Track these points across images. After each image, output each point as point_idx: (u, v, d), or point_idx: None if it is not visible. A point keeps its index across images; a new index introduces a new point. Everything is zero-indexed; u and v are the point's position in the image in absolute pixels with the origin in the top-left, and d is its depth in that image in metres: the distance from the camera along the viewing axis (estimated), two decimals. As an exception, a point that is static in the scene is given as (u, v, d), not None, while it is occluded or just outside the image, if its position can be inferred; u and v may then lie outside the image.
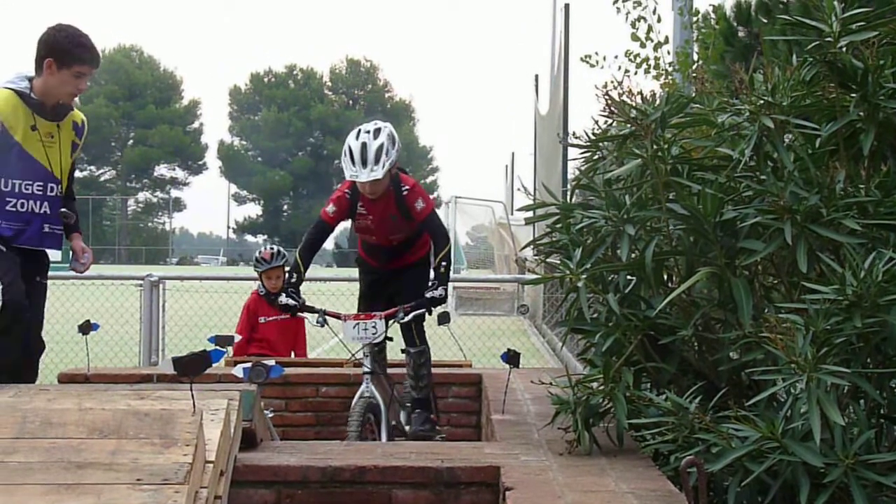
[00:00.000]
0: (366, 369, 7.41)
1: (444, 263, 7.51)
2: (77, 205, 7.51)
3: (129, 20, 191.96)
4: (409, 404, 7.95)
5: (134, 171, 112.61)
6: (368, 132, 7.29)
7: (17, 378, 6.46)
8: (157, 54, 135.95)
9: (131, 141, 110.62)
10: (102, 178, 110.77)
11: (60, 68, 6.72)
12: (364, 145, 7.19)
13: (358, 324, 7.33)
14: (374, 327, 7.33)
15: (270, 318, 11.26)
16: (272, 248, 11.56)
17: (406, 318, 7.46)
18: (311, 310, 7.62)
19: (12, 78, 6.81)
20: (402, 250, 7.88)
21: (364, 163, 7.15)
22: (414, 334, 7.75)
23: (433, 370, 8.52)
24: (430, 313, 7.59)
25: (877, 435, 4.63)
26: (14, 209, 6.72)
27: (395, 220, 7.57)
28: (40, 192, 6.85)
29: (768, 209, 4.85)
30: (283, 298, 7.39)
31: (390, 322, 7.48)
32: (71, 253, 7.28)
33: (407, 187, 7.50)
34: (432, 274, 7.63)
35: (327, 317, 7.54)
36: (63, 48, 6.72)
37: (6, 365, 6.46)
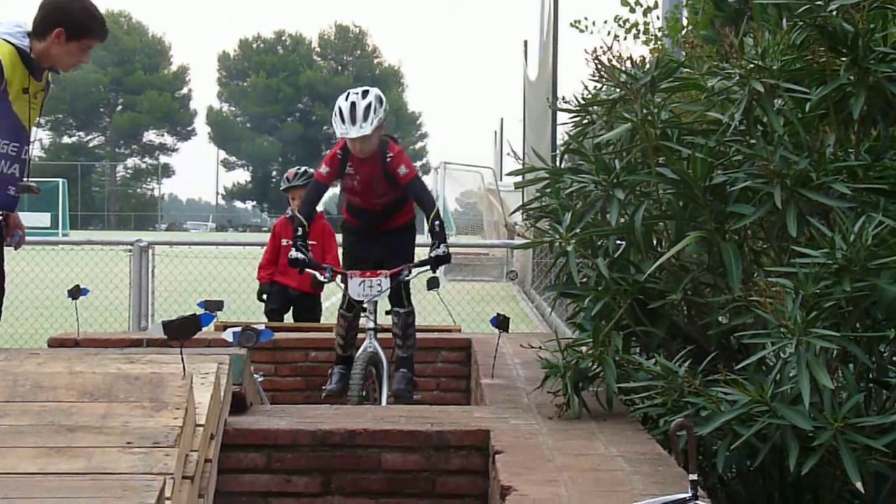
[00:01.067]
0: (370, 325, 7.71)
1: (436, 223, 7.70)
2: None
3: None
4: (393, 361, 8.04)
5: (122, 137, 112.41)
6: (357, 93, 7.56)
7: None
8: (146, 20, 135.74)
9: (120, 107, 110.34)
10: (91, 144, 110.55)
11: (69, 40, 6.61)
12: (353, 104, 7.44)
13: (363, 281, 7.55)
14: (378, 285, 7.56)
15: (291, 242, 11.37)
16: (297, 169, 11.74)
17: (411, 276, 7.77)
18: (319, 266, 8.02)
19: (11, 30, 6.58)
20: (387, 214, 8.10)
21: (353, 120, 7.40)
22: (402, 296, 7.89)
23: (423, 335, 8.54)
24: (434, 271, 7.86)
25: (866, 399, 4.64)
26: None
27: (378, 183, 7.80)
28: (14, 153, 6.70)
29: (758, 173, 4.85)
30: (292, 253, 7.64)
31: (396, 280, 7.65)
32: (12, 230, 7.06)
33: (391, 154, 7.70)
34: (428, 236, 7.98)
35: (334, 273, 7.87)
36: (78, 21, 6.63)
37: None
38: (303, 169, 11.64)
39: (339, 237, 9.59)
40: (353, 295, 7.61)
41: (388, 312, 7.95)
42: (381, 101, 7.57)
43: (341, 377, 7.80)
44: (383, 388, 7.74)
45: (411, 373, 7.97)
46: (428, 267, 7.77)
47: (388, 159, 7.68)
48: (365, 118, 7.41)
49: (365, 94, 7.56)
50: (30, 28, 6.61)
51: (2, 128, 6.58)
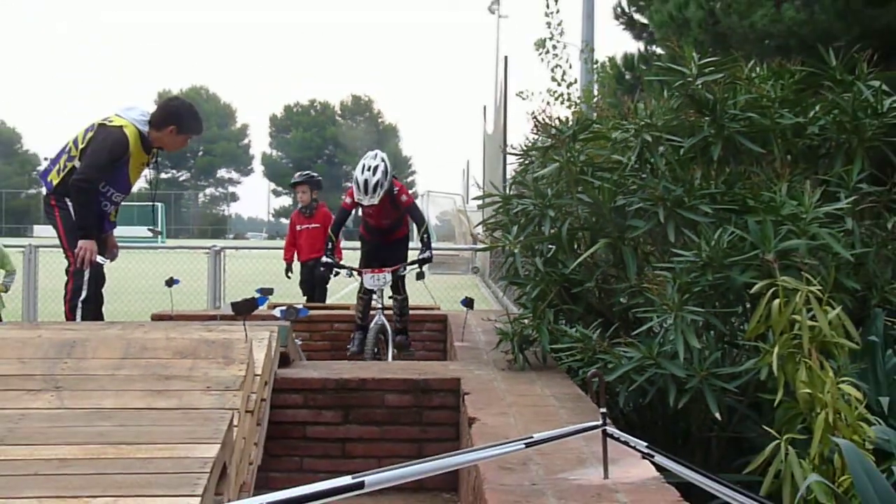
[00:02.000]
0: (378, 306, 8.01)
1: (425, 235, 8.12)
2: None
3: (199, 68, 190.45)
4: (394, 331, 8.24)
5: (202, 173, 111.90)
6: (370, 169, 7.71)
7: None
8: (219, 92, 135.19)
9: (201, 152, 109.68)
10: (181, 179, 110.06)
11: (179, 133, 6.78)
12: (367, 181, 7.67)
13: (374, 275, 7.86)
14: (384, 278, 7.86)
15: (303, 227, 11.49)
16: (301, 172, 11.97)
17: (406, 272, 8.13)
18: (343, 267, 8.32)
19: (137, 116, 6.72)
20: (390, 230, 8.34)
21: (366, 192, 7.68)
22: (400, 287, 8.21)
23: (414, 312, 8.56)
24: (421, 268, 8.07)
25: (722, 355, 4.64)
26: (103, 208, 6.66)
27: (386, 210, 8.01)
28: (117, 201, 6.78)
29: (648, 198, 4.85)
30: (324, 258, 8.20)
31: (395, 274, 7.97)
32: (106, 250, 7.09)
33: (397, 188, 7.94)
34: (418, 243, 8.32)
35: (354, 271, 8.15)
36: (186, 121, 6.81)
37: (90, 315, 6.45)
38: (307, 172, 11.80)
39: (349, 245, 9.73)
40: (367, 285, 7.89)
41: (390, 297, 8.16)
42: (385, 175, 7.73)
43: (360, 341, 8.00)
44: (389, 349, 7.97)
45: (407, 336, 8.36)
46: (417, 266, 8.00)
47: (396, 192, 7.90)
48: (374, 192, 7.67)
49: (374, 171, 7.70)
50: (149, 117, 6.73)
51: (119, 185, 6.66)
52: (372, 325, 7.92)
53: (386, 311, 8.08)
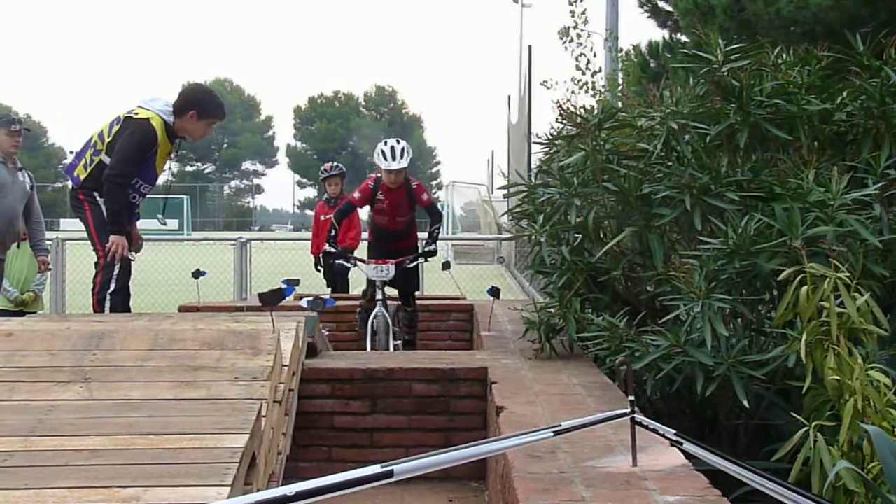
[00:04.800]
0: (378, 297, 7.89)
1: (436, 229, 8.19)
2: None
3: (224, 60, 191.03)
4: (399, 342, 8.22)
5: (227, 165, 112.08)
6: (394, 141, 7.88)
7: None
8: (243, 84, 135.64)
9: (225, 145, 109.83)
10: (206, 171, 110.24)
11: (200, 119, 6.72)
12: (392, 147, 7.76)
13: (377, 266, 7.86)
14: (386, 270, 7.84)
15: (328, 217, 11.40)
16: (332, 163, 11.80)
17: (411, 265, 8.08)
18: (346, 257, 8.32)
19: (163, 108, 6.72)
20: (400, 236, 8.30)
21: (393, 157, 7.71)
22: (411, 299, 8.37)
23: (439, 302, 8.58)
24: (426, 260, 8.32)
25: (749, 342, 4.62)
26: (132, 200, 6.65)
27: (402, 205, 8.05)
28: (145, 192, 6.78)
29: (674, 186, 4.84)
30: (327, 247, 8.06)
31: (399, 267, 7.93)
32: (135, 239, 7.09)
33: (415, 184, 8.09)
34: (427, 237, 8.29)
35: (356, 261, 8.20)
36: (206, 106, 6.75)
37: (119, 307, 6.47)
38: (336, 164, 11.78)
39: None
40: (369, 275, 7.94)
41: (398, 309, 8.26)
42: (409, 150, 7.88)
43: (363, 320, 8.16)
44: (390, 339, 7.85)
45: (413, 350, 8.15)
46: (421, 259, 8.22)
47: (414, 186, 8.03)
48: (401, 157, 7.72)
49: (398, 141, 7.86)
50: (170, 103, 6.73)
51: (147, 176, 6.67)
52: (372, 317, 7.91)
53: (390, 301, 8.06)
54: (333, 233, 8.04)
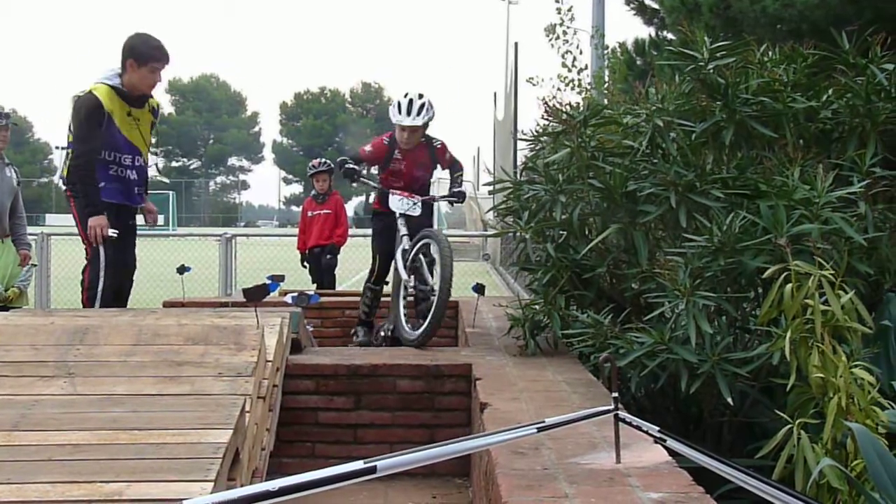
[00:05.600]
0: (403, 232, 6.69)
1: (460, 174, 7.28)
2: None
3: (210, 55, 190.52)
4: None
5: (213, 161, 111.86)
6: (415, 94, 6.99)
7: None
8: (229, 80, 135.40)
9: (211, 140, 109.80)
10: (192, 167, 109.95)
11: (140, 66, 6.43)
12: (411, 101, 6.89)
13: (402, 198, 6.77)
14: (413, 203, 6.76)
15: (315, 213, 11.50)
16: (320, 159, 11.81)
17: (438, 202, 7.40)
18: (366, 178, 7.14)
19: (107, 74, 6.49)
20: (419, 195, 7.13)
21: (409, 112, 6.85)
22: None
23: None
24: (458, 201, 7.21)
25: (734, 340, 4.63)
26: (115, 174, 6.46)
27: (421, 166, 7.18)
28: (129, 164, 6.53)
29: (659, 183, 4.84)
30: (349, 165, 6.93)
31: (426, 205, 7.00)
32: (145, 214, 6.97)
33: (439, 141, 7.18)
34: (450, 182, 7.36)
35: (377, 187, 7.15)
36: (139, 50, 6.45)
37: (109, 301, 6.38)
38: (324, 160, 11.79)
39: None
40: (393, 206, 6.77)
41: (403, 234, 6.71)
42: (432, 105, 6.99)
43: (366, 334, 7.52)
44: (444, 255, 6.05)
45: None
46: (450, 198, 7.18)
47: (437, 145, 7.16)
48: (419, 113, 6.85)
49: (420, 96, 6.96)
50: (119, 68, 6.51)
51: (116, 145, 6.47)
52: (399, 248, 6.71)
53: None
54: (351, 163, 6.96)
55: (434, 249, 6.20)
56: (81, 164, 6.35)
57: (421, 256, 6.43)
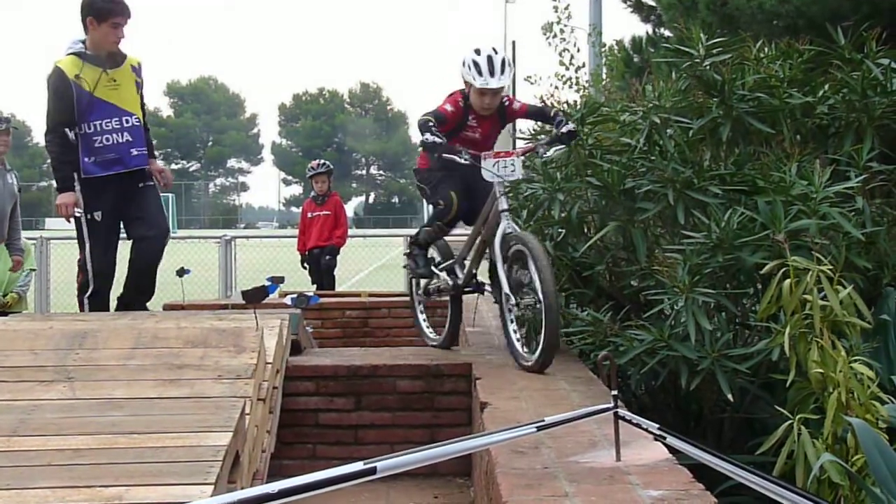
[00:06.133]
0: (504, 206, 5.13)
1: (560, 112, 5.48)
2: (151, 135, 6.82)
3: (209, 57, 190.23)
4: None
5: (212, 163, 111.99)
6: (490, 49, 5.49)
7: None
8: (228, 82, 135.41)
9: (210, 142, 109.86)
10: (191, 169, 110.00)
11: (100, 23, 6.20)
12: (489, 58, 5.39)
13: (497, 161, 5.16)
14: (512, 165, 5.15)
15: (315, 214, 11.47)
16: (319, 160, 11.79)
17: (547, 154, 5.29)
18: (455, 150, 5.27)
19: (69, 44, 6.33)
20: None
21: (492, 72, 5.35)
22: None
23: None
24: (568, 146, 5.28)
25: (733, 336, 4.64)
26: (102, 145, 6.23)
27: (494, 130, 5.73)
28: (118, 126, 6.27)
29: (657, 180, 4.85)
30: (429, 137, 5.23)
31: (529, 156, 5.54)
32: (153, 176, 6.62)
33: (506, 97, 5.65)
34: (553, 120, 5.47)
35: (469, 155, 5.20)
36: (98, 6, 6.21)
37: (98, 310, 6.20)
38: (323, 161, 11.79)
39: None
40: (488, 176, 5.18)
41: (504, 210, 5.12)
42: (510, 62, 5.65)
43: (425, 260, 5.93)
44: (540, 262, 4.65)
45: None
46: (563, 145, 5.26)
47: (506, 103, 5.62)
48: (502, 70, 5.40)
49: (496, 50, 5.50)
50: (83, 36, 6.33)
51: (94, 110, 6.24)
52: (498, 236, 5.09)
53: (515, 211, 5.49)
54: (432, 124, 5.31)
55: (529, 261, 4.80)
56: (51, 138, 6.22)
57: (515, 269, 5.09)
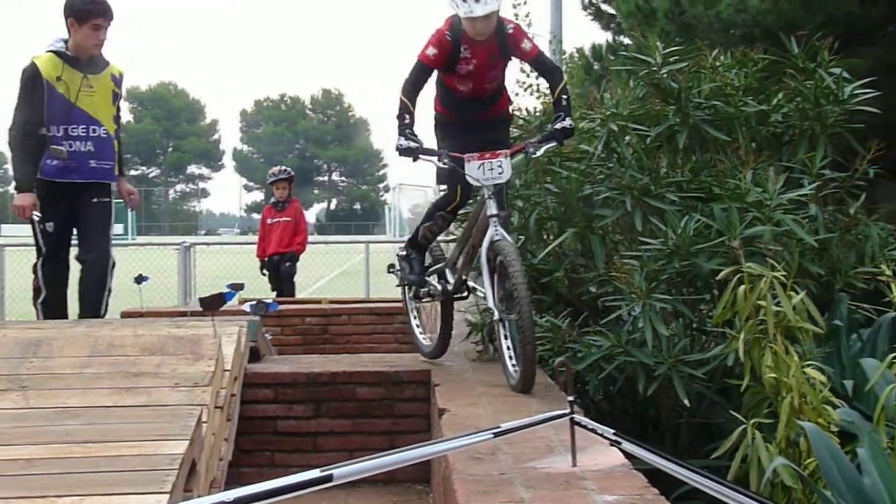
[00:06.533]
0: (493, 211, 4.67)
1: (564, 96, 4.91)
2: (123, 149, 6.68)
3: (167, 64, 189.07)
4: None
5: (173, 169, 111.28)
6: None
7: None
8: (188, 87, 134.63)
9: (170, 148, 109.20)
10: (151, 175, 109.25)
11: (80, 24, 6.07)
12: None
13: (483, 164, 4.71)
14: (500, 166, 4.71)
15: (275, 220, 11.41)
16: (280, 167, 11.72)
17: (538, 153, 4.88)
18: (433, 152, 4.92)
19: (52, 41, 6.19)
20: (490, 103, 5.30)
21: None
22: (505, 196, 4.89)
23: (384, 305, 8.49)
24: (560, 144, 4.96)
25: (690, 342, 4.67)
26: (71, 149, 6.08)
27: (494, 61, 5.11)
28: (84, 134, 6.13)
29: (614, 187, 4.87)
30: (402, 142, 4.80)
31: (518, 157, 5.01)
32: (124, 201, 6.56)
33: (511, 26, 5.07)
34: (553, 105, 5.06)
35: (448, 158, 4.85)
36: (78, 8, 6.08)
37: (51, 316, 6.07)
38: (284, 167, 11.73)
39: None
40: (473, 179, 4.78)
41: (493, 215, 4.67)
42: None
43: (421, 266, 5.58)
44: (516, 270, 4.33)
45: None
46: (554, 142, 4.88)
47: (510, 31, 5.01)
48: None
49: None
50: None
51: (64, 116, 6.10)
52: (486, 243, 4.68)
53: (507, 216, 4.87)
54: (407, 119, 4.89)
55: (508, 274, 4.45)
56: (14, 135, 6.06)
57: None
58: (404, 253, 5.70)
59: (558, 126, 4.83)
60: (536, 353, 4.45)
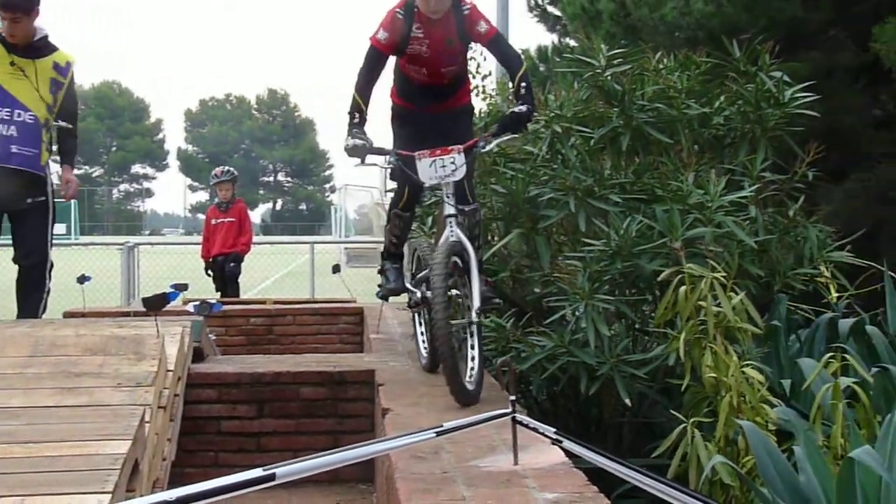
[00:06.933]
0: (449, 211, 4.47)
1: (523, 84, 4.58)
2: (77, 142, 6.60)
3: (111, 63, 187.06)
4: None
5: (116, 169, 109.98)
6: None
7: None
8: (132, 86, 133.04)
9: (114, 148, 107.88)
10: (94, 175, 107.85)
11: (4, 16, 5.98)
12: None
13: (434, 161, 4.46)
14: (452, 163, 4.44)
15: (219, 221, 11.32)
16: (223, 167, 11.63)
17: (490, 146, 4.65)
18: (382, 151, 4.66)
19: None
20: (449, 92, 5.02)
21: None
22: (467, 191, 4.68)
23: (328, 306, 8.47)
24: (517, 132, 4.64)
25: (632, 342, 4.73)
26: None
27: (451, 45, 4.78)
28: (7, 118, 5.99)
29: (559, 188, 4.92)
30: (349, 141, 4.52)
31: (471, 154, 4.62)
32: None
33: (468, 6, 4.72)
34: (513, 93, 4.84)
35: (395, 156, 4.63)
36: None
37: None
38: (227, 168, 11.66)
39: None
40: (425, 178, 4.51)
41: (454, 210, 4.47)
42: None
43: (398, 274, 5.34)
44: (473, 281, 4.21)
45: (485, 275, 4.65)
46: (509, 134, 4.62)
47: (466, 12, 4.69)
48: None
49: None
50: None
51: None
52: (441, 243, 4.41)
53: (464, 215, 4.62)
54: (357, 118, 4.63)
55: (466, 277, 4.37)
56: None
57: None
58: (381, 267, 5.47)
59: (517, 111, 4.52)
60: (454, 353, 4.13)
